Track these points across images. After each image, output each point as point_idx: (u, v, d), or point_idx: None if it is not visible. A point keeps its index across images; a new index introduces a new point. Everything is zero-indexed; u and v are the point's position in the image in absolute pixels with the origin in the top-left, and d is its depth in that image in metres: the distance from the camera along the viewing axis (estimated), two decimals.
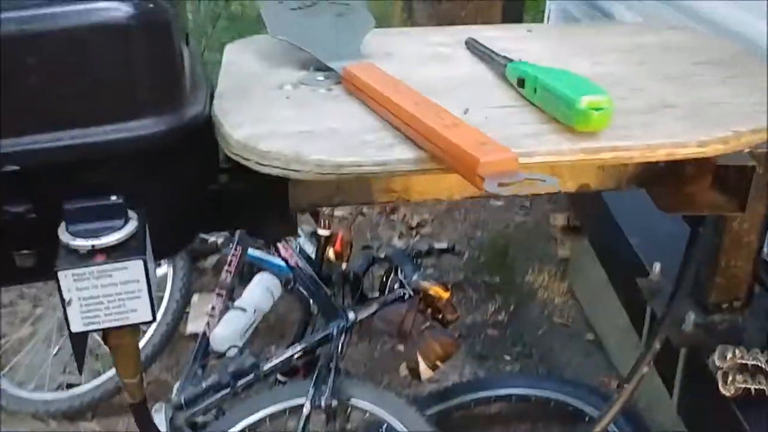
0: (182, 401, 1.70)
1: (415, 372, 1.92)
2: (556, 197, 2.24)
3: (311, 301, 1.90)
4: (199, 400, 1.69)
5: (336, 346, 1.66)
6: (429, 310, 1.70)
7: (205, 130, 0.60)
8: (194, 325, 2.09)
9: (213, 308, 1.85)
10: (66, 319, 0.53)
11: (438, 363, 1.65)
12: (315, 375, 1.60)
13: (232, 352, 1.76)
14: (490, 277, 2.32)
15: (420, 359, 1.91)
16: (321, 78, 0.69)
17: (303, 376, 1.78)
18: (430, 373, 1.89)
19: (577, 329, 2.05)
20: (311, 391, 1.56)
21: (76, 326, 0.54)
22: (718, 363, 0.89)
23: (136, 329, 0.60)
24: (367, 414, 1.61)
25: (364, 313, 1.72)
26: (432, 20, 2.88)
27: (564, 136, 0.57)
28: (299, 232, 1.89)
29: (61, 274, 0.52)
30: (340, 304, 1.83)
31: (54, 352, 2.11)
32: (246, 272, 1.96)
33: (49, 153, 0.54)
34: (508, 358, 2.00)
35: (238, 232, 1.85)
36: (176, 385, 1.79)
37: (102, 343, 0.64)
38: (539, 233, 2.46)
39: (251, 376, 1.70)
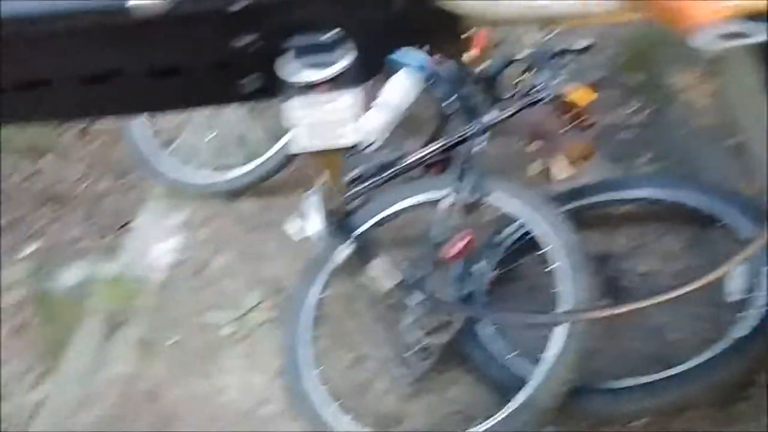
0: (331, 188, 1.85)
1: (547, 172, 1.99)
2: None
3: (448, 99, 1.95)
4: (348, 187, 1.84)
5: (475, 145, 1.73)
6: (568, 114, 1.71)
7: None
8: None
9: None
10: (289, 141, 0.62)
11: (575, 165, 1.70)
12: (459, 172, 1.69)
13: (376, 145, 1.87)
14: (631, 76, 2.26)
15: (554, 160, 1.97)
16: None
17: (438, 173, 1.88)
18: (562, 174, 1.95)
19: (719, 133, 2.01)
20: (454, 186, 1.67)
21: (295, 147, 0.62)
22: None
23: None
24: (501, 211, 1.71)
25: (503, 114, 1.75)
26: None
27: None
28: None
29: (286, 103, 0.60)
30: (478, 104, 1.86)
31: (210, 137, 2.30)
32: (387, 71, 2.00)
33: None
34: (643, 160, 2.01)
35: None
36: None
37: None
38: None
39: (395, 168, 1.82)
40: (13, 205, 2.57)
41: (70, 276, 1.93)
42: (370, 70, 0.73)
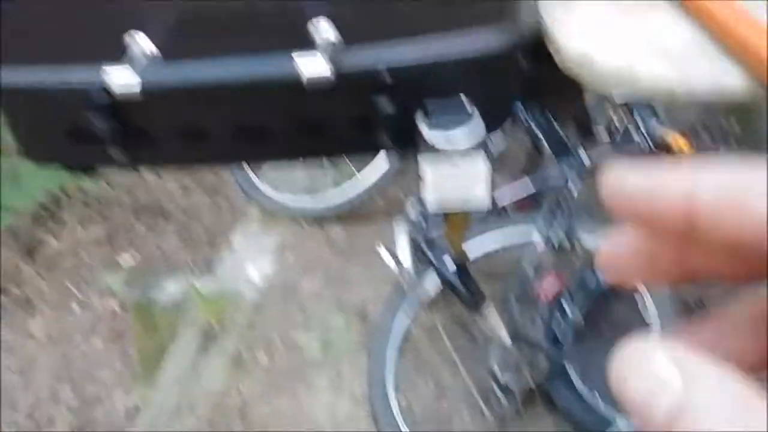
0: (418, 219, 1.89)
1: None
2: None
3: (542, 136, 1.96)
4: (432, 220, 1.87)
5: (569, 186, 1.74)
6: (666, 158, 1.70)
7: (536, 37, 0.67)
8: None
9: None
10: (424, 201, 0.66)
11: None
12: (550, 212, 1.71)
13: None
14: (726, 121, 2.22)
15: None
16: None
17: (528, 211, 1.90)
18: None
19: None
20: (545, 226, 1.69)
21: (432, 208, 0.67)
22: None
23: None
24: (592, 253, 1.72)
25: (598, 158, 1.76)
26: None
27: None
28: None
29: (420, 158, 0.64)
30: (573, 144, 1.88)
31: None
32: None
33: (414, 62, 0.64)
34: None
35: None
36: (410, 202, 2.00)
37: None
38: None
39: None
40: (111, 216, 2.72)
41: (169, 288, 2.04)
42: (493, 129, 0.77)
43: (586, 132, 1.90)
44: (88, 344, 2.19)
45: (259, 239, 2.28)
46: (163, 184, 2.80)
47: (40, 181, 2.19)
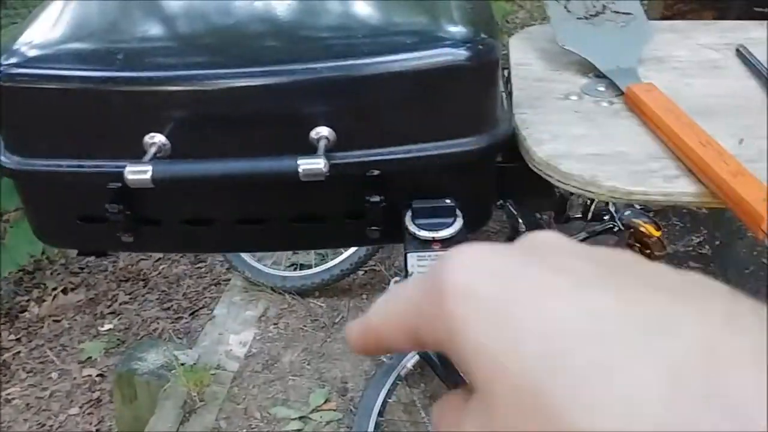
0: None
1: None
2: None
3: (518, 217, 2.05)
4: None
5: None
6: (637, 245, 1.79)
7: (511, 139, 0.75)
8: None
9: None
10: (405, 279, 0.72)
11: None
12: None
13: None
14: (698, 207, 2.33)
15: None
16: (602, 88, 0.80)
17: None
18: None
19: None
20: None
21: None
22: None
23: None
24: None
25: (570, 236, 1.83)
26: None
27: None
28: None
29: (409, 255, 0.70)
30: (545, 223, 1.95)
31: None
32: None
33: (402, 162, 0.71)
34: None
35: None
36: (393, 281, 2.06)
37: None
38: None
39: None
40: (93, 283, 2.74)
41: (149, 357, 2.05)
42: (475, 226, 0.84)
43: (561, 212, 1.98)
44: (66, 413, 2.18)
45: (241, 310, 2.31)
46: (146, 252, 2.83)
47: (26, 247, 2.21)
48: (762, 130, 0.72)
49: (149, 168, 0.62)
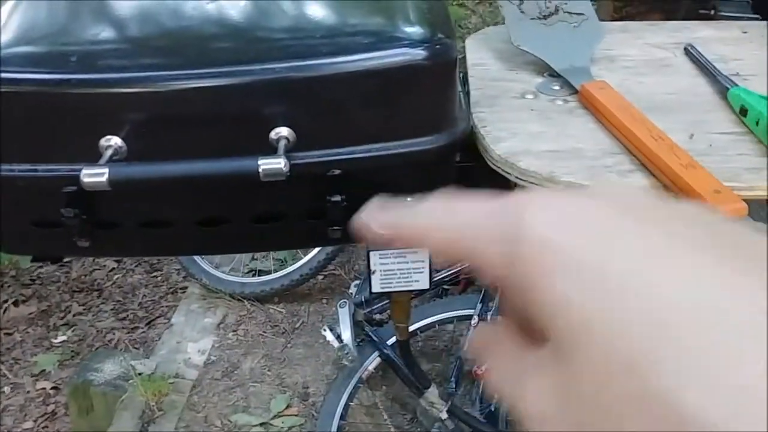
0: (362, 300, 1.95)
1: None
2: None
3: None
4: (376, 301, 1.94)
5: None
6: None
7: (469, 137, 0.76)
8: None
9: None
10: (369, 282, 0.73)
11: None
12: (483, 291, 1.80)
13: None
14: None
15: None
16: (557, 87, 0.82)
17: (462, 290, 1.99)
18: None
19: None
20: (479, 306, 1.76)
21: (376, 288, 0.73)
22: None
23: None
24: None
25: None
26: None
27: None
28: None
29: (371, 253, 0.71)
30: None
31: None
32: None
33: (362, 161, 0.71)
34: None
35: None
36: (353, 284, 2.05)
37: None
38: None
39: None
40: (45, 294, 2.68)
41: (105, 368, 2.01)
42: None
43: None
44: (20, 427, 2.12)
45: (200, 318, 2.28)
46: (99, 261, 2.78)
47: None
48: (711, 125, 0.74)
49: (106, 170, 0.61)
